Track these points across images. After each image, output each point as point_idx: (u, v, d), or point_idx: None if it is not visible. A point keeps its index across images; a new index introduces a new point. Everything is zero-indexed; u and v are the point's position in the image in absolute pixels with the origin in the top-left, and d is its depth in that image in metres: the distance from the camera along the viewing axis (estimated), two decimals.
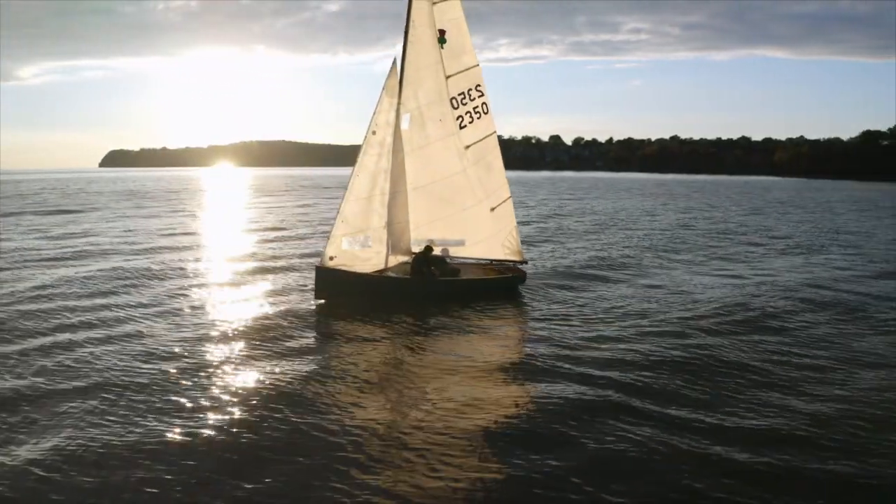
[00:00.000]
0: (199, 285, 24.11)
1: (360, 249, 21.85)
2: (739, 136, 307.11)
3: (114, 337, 17.06)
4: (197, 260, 30.16)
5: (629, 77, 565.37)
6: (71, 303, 21.02)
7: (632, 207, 68.74)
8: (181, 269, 27.66)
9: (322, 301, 21.04)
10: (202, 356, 15.56)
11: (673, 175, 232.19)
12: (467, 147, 22.98)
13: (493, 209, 23.58)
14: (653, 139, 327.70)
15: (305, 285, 23.30)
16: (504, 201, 23.75)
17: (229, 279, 25.23)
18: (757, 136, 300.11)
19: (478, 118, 22.94)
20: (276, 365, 14.98)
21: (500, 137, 24.08)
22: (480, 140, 23.13)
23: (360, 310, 19.85)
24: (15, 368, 14.59)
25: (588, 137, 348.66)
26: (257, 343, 16.72)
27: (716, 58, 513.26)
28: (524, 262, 24.39)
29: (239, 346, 16.39)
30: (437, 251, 22.85)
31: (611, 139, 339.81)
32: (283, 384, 13.71)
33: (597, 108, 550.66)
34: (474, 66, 22.73)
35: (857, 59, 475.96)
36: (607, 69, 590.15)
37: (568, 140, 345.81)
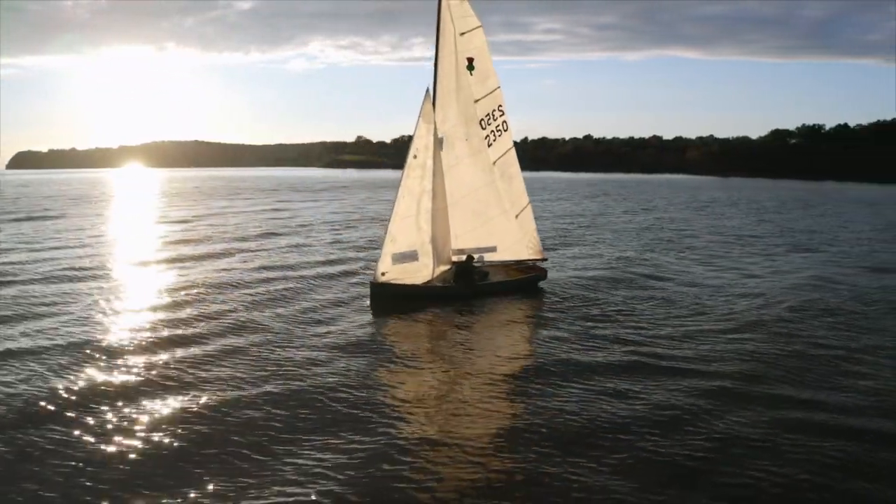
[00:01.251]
0: (260, 297, 25.40)
1: (410, 264, 23.97)
2: (651, 134, 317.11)
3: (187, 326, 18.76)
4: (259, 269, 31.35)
5: (542, 77, 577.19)
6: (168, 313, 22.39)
7: (596, 209, 72.03)
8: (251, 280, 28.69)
9: (377, 313, 22.96)
10: (288, 365, 17.18)
11: (590, 174, 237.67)
12: (494, 162, 25.58)
13: (517, 216, 26.20)
14: (567, 138, 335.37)
15: (361, 298, 24.97)
16: (525, 208, 26.58)
17: (288, 293, 26.45)
18: (668, 136, 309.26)
19: (500, 135, 25.68)
20: (343, 363, 17.23)
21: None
22: (503, 154, 25.93)
23: (411, 318, 22.09)
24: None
25: None
26: (321, 343, 18.99)
27: (628, 58, 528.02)
28: (544, 259, 27.09)
29: (307, 350, 18.35)
30: (464, 258, 25.21)
31: (526, 138, 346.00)
32: (355, 382, 15.82)
33: (511, 107, 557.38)
34: (497, 89, 25.47)
35: (765, 59, 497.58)
36: (521, 69, 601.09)
37: None
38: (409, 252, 24.09)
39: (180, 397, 14.63)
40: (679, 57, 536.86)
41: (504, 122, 25.75)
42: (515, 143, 26.11)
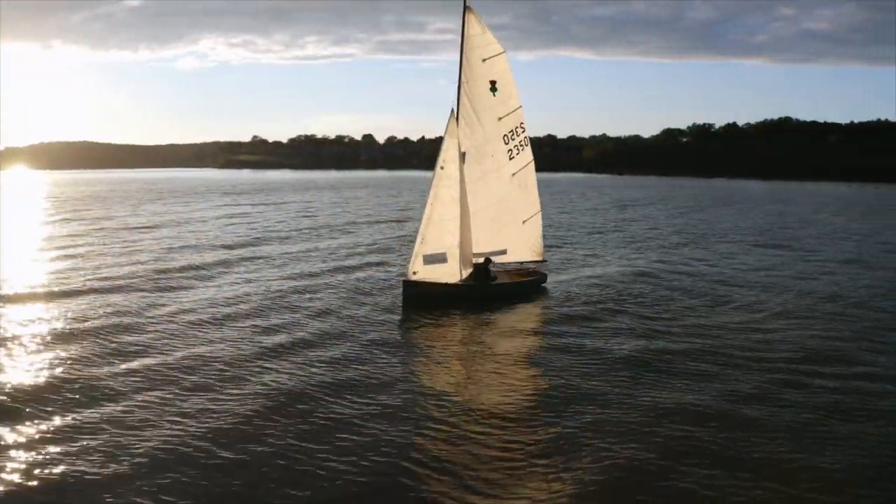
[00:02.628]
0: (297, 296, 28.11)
1: (439, 265, 27.09)
2: (546, 134, 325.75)
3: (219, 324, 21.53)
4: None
5: (436, 76, 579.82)
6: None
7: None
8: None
9: (409, 307, 26.06)
10: (327, 357, 19.76)
11: None
12: (513, 174, 28.96)
13: (524, 221, 29.64)
14: None
15: (394, 294, 28.04)
16: (535, 214, 30.04)
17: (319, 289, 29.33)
18: (563, 135, 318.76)
19: (522, 150, 29.06)
20: (378, 353, 20.05)
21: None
22: (524, 167, 29.33)
23: (438, 313, 25.18)
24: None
25: (400, 136, 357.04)
26: (359, 337, 21.84)
27: (522, 58, 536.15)
28: (544, 261, 30.64)
29: (347, 344, 21.08)
30: (481, 259, 28.51)
31: (423, 138, 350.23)
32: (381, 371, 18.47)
33: (406, 106, 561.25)
34: (518, 108, 28.89)
35: (654, 59, 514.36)
36: (414, 68, 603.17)
37: (381, 139, 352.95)
38: (438, 254, 27.22)
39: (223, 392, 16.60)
40: (571, 57, 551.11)
41: (526, 137, 29.23)
42: (411, 143, 29.53)
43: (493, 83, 28.10)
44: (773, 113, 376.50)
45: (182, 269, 33.63)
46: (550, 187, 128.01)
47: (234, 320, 23.70)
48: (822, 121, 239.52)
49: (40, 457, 12.73)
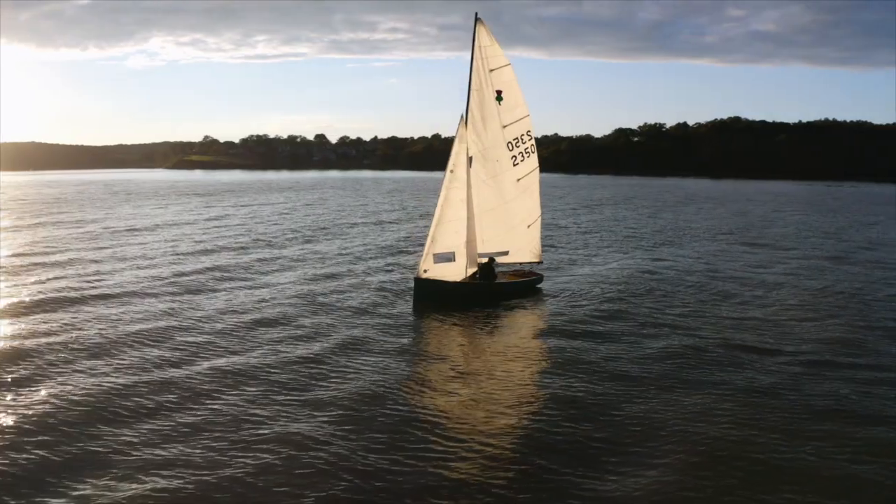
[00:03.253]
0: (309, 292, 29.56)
1: (448, 264, 28.74)
2: None
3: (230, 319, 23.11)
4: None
5: (387, 76, 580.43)
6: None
7: None
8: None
9: (419, 304, 27.77)
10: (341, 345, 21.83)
11: (441, 173, 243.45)
12: (518, 180, 30.69)
13: (529, 226, 31.38)
14: (416, 137, 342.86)
15: (405, 291, 29.81)
16: (537, 219, 31.70)
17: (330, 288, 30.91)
18: None
19: (527, 157, 30.74)
20: (390, 349, 21.72)
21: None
22: (529, 174, 30.99)
23: (446, 308, 26.95)
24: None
25: (353, 136, 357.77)
26: (373, 333, 23.40)
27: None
28: (540, 262, 32.42)
29: (360, 338, 22.75)
30: (485, 259, 30.21)
31: (375, 137, 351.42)
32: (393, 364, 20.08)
33: (358, 106, 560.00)
34: (525, 117, 30.56)
35: (605, 59, 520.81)
36: (365, 67, 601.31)
37: (333, 138, 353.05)
38: (447, 253, 28.87)
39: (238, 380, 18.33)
40: (522, 57, 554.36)
41: (532, 145, 30.93)
42: (364, 142, 31.19)
43: (498, 92, 29.80)
44: (723, 112, 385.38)
45: (192, 272, 34.55)
46: None
47: (257, 318, 25.23)
48: (770, 120, 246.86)
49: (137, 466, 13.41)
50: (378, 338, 22.75)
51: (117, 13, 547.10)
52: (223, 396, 17.09)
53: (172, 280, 32.12)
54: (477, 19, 29.08)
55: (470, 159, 29.35)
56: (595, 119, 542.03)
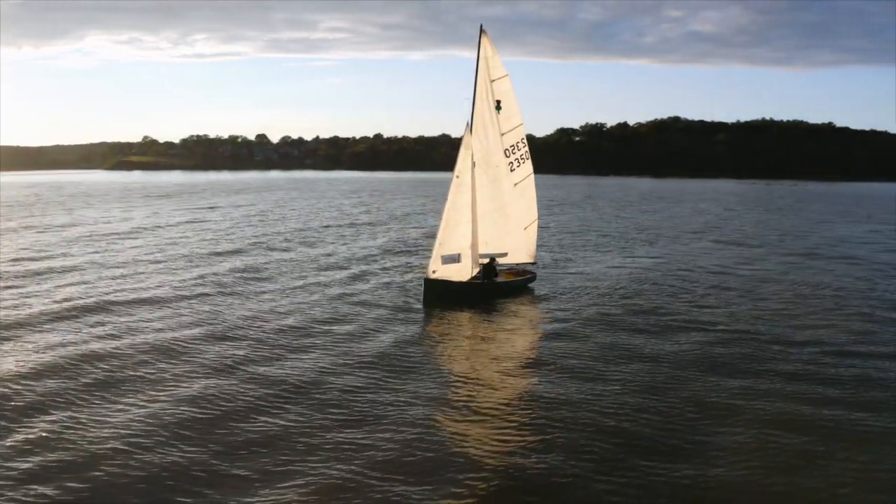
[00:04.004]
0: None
1: (454, 264, 30.17)
2: (440, 133, 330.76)
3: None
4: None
5: (328, 75, 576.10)
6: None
7: None
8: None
9: (429, 302, 29.13)
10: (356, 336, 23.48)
11: (385, 173, 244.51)
12: (515, 185, 32.20)
13: (525, 228, 32.96)
14: (357, 137, 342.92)
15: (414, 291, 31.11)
16: (533, 222, 33.29)
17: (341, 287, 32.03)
18: (456, 134, 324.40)
19: (522, 163, 32.30)
20: (404, 341, 23.25)
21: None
22: (524, 179, 32.55)
23: (453, 307, 28.47)
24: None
25: (294, 136, 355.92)
26: (386, 329, 24.90)
27: (413, 57, 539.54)
28: (534, 263, 34.01)
29: (376, 334, 24.17)
30: (486, 260, 31.71)
31: (317, 137, 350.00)
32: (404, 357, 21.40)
33: (299, 105, 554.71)
34: (519, 125, 32.16)
35: (545, 59, 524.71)
36: (305, 67, 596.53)
37: (274, 138, 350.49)
38: (454, 255, 30.31)
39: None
40: (463, 57, 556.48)
41: (526, 152, 32.52)
42: (305, 142, 32.45)
43: (498, 102, 31.32)
44: (663, 112, 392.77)
45: (192, 281, 34.89)
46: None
47: (282, 318, 26.25)
48: (709, 120, 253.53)
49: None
50: (393, 334, 24.17)
51: (52, 11, 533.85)
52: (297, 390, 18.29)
53: (179, 289, 32.33)
54: (482, 31, 30.57)
55: (473, 165, 30.78)
56: (537, 119, 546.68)
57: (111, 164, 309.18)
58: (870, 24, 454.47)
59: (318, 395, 17.75)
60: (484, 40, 30.66)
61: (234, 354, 21.30)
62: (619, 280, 35.02)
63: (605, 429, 15.72)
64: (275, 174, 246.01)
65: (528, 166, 32.72)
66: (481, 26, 30.64)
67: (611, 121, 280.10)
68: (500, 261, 32.57)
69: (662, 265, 40.05)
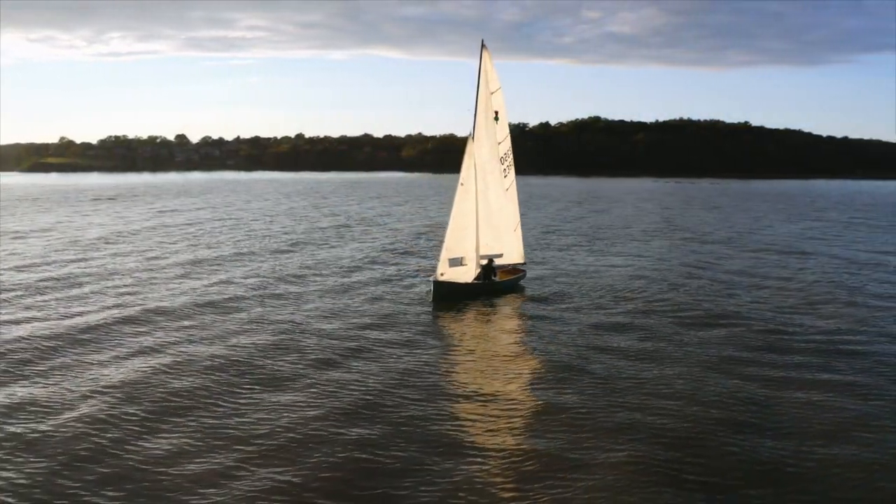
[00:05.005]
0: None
1: (460, 267, 31.91)
2: (362, 133, 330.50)
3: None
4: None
5: (247, 74, 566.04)
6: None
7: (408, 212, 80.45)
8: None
9: (438, 302, 30.74)
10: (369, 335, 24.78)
11: (310, 174, 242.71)
12: (506, 190, 34.09)
13: (514, 230, 34.89)
14: (279, 137, 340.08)
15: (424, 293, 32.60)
16: (518, 224, 35.25)
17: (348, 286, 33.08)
18: (379, 134, 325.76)
19: (510, 170, 34.33)
20: (416, 339, 24.68)
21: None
22: (511, 184, 34.49)
23: (459, 305, 30.22)
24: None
25: (215, 136, 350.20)
26: (398, 326, 26.39)
27: (333, 56, 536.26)
28: (524, 263, 35.94)
29: (389, 332, 25.46)
30: (485, 261, 33.45)
31: (238, 137, 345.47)
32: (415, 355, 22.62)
33: (218, 105, 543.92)
34: (507, 135, 34.18)
35: (465, 59, 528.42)
36: (224, 65, 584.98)
37: (195, 138, 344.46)
38: (459, 258, 32.01)
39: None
40: (383, 56, 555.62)
41: (511, 160, 34.39)
42: (226, 142, 33.79)
43: (496, 113, 33.17)
44: (583, 112, 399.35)
45: (200, 284, 35.48)
46: (401, 189, 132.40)
47: (298, 318, 27.38)
48: (628, 119, 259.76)
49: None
50: (406, 332, 25.71)
51: None
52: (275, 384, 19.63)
53: (183, 293, 32.92)
54: (483, 46, 32.28)
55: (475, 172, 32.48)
56: (459, 119, 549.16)
57: (26, 165, 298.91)
58: (783, 25, 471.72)
59: (342, 387, 19.21)
60: (484, 54, 32.36)
61: (213, 363, 21.66)
62: (601, 277, 37.29)
63: (600, 411, 17.52)
64: (196, 175, 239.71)
65: (512, 173, 34.67)
66: (482, 41, 32.40)
67: (533, 121, 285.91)
68: (497, 261, 34.38)
69: (639, 262, 42.59)
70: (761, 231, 62.03)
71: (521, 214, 35.59)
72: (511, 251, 34.96)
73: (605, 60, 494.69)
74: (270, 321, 26.75)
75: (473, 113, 32.59)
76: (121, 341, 23.58)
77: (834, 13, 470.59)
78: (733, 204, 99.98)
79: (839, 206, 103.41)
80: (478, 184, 32.65)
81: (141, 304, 29.13)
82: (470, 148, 32.16)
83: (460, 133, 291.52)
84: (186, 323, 26.41)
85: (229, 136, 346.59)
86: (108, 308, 28.45)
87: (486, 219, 33.29)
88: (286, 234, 56.26)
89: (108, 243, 49.12)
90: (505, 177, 34.09)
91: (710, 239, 55.47)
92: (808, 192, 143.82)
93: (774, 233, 60.76)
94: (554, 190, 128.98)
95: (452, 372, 21.43)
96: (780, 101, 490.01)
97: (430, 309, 29.77)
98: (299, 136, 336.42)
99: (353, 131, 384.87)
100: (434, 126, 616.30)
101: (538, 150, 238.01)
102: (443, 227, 54.76)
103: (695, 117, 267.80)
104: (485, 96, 32.58)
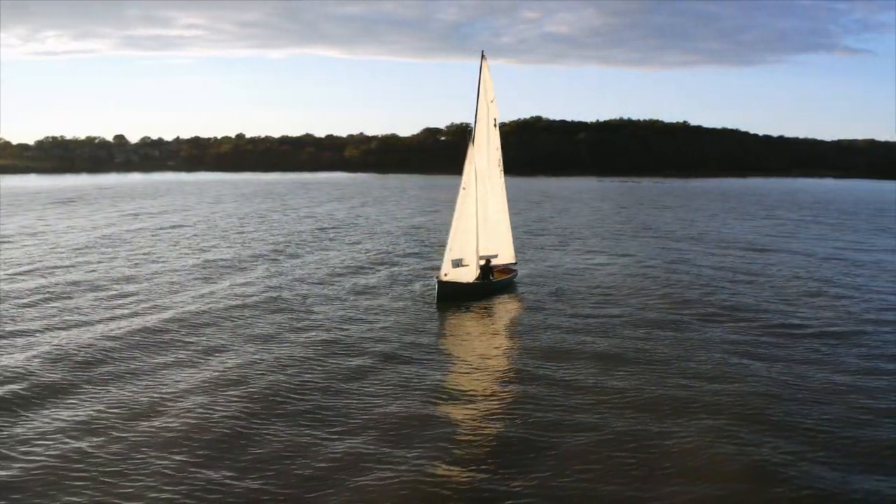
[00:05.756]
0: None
1: (462, 268, 33.26)
2: (304, 133, 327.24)
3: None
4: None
5: (185, 73, 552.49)
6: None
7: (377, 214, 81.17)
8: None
9: (442, 301, 32.02)
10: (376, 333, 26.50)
11: (252, 174, 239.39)
12: (501, 192, 35.43)
13: (507, 231, 36.39)
14: (219, 137, 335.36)
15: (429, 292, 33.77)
16: (507, 224, 36.66)
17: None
18: (320, 133, 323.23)
19: (501, 175, 35.67)
20: (422, 335, 26.47)
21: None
22: (502, 188, 35.63)
23: (462, 305, 31.71)
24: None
25: (154, 136, 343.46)
26: (404, 324, 28.07)
27: (273, 55, 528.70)
28: (515, 262, 37.55)
29: (397, 329, 27.17)
30: (483, 262, 34.80)
31: (178, 137, 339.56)
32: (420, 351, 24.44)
33: (158, 105, 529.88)
34: (499, 141, 35.56)
35: (405, 59, 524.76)
36: (162, 65, 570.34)
37: (134, 139, 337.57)
38: (462, 259, 33.31)
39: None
40: (323, 56, 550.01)
41: (501, 165, 35.70)
42: (166, 142, 34.94)
43: (495, 120, 34.55)
44: (525, 112, 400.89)
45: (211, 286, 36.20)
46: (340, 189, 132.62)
47: (309, 317, 28.81)
48: (570, 119, 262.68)
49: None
50: (413, 329, 27.35)
51: None
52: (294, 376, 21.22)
53: (192, 299, 33.32)
54: (483, 57, 33.61)
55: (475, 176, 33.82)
56: (401, 118, 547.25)
57: None
58: (719, 26, 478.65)
59: (350, 379, 20.98)
60: (484, 65, 33.82)
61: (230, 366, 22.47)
62: (587, 275, 39.68)
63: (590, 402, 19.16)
64: (136, 176, 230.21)
65: (503, 177, 36.33)
66: (482, 52, 33.77)
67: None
68: (494, 262, 35.80)
69: (621, 261, 44.83)
70: (721, 229, 65.18)
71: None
72: (505, 251, 36.47)
73: (544, 60, 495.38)
74: (301, 320, 28.27)
75: (474, 120, 33.96)
76: (162, 348, 24.35)
77: (768, 14, 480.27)
78: (683, 203, 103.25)
79: (785, 204, 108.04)
80: (478, 188, 33.98)
81: (162, 312, 29.65)
82: (470, 153, 33.50)
83: (402, 133, 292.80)
84: (205, 329, 27.10)
85: (169, 137, 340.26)
86: (141, 314, 29.08)
87: (484, 221, 34.68)
88: (281, 237, 56.15)
89: (107, 247, 48.82)
90: (500, 180, 35.56)
91: (678, 237, 58.11)
92: (751, 190, 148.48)
93: (734, 231, 63.95)
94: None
95: (460, 366, 23.10)
96: (717, 100, 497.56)
97: (435, 308, 31.11)
98: (240, 136, 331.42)
99: (295, 131, 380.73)
100: (376, 126, 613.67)
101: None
102: (421, 227, 56.31)
103: (634, 117, 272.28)
104: (485, 104, 33.91)
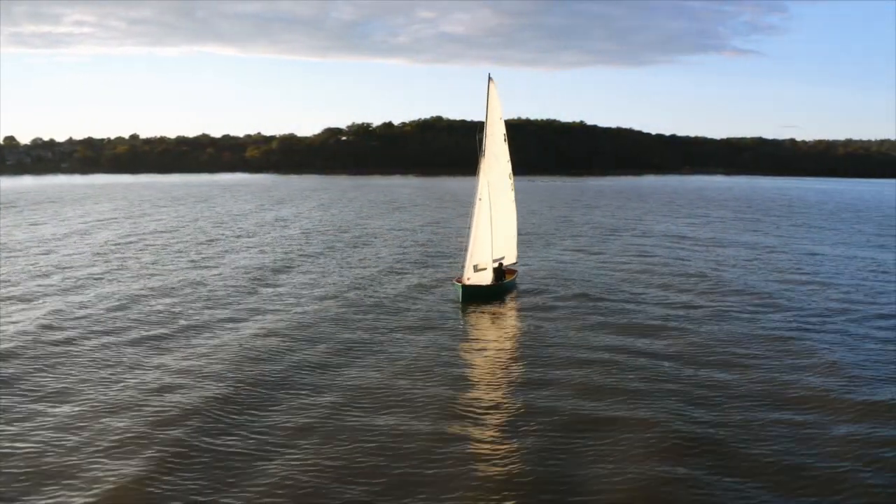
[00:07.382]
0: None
1: (481, 272, 35.47)
2: (200, 133, 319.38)
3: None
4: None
5: (74, 71, 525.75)
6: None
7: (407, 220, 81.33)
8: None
9: (466, 302, 34.36)
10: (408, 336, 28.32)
11: (149, 176, 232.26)
12: (511, 201, 37.71)
13: (514, 235, 38.69)
14: (113, 137, 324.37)
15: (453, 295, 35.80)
16: (515, 229, 39.01)
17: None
18: (217, 134, 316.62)
19: (512, 184, 37.86)
20: (450, 332, 29.09)
21: None
22: (513, 196, 38.04)
23: (483, 306, 33.92)
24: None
25: (46, 137, 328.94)
26: (431, 325, 30.29)
27: (164, 53, 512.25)
28: (516, 263, 39.94)
29: (422, 333, 28.91)
30: (495, 264, 37.04)
31: (71, 139, 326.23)
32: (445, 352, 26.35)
33: (47, 104, 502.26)
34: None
35: (301, 57, 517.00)
36: (50, 63, 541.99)
37: (24, 140, 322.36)
38: (480, 264, 35.52)
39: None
40: (216, 54, 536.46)
41: (511, 175, 37.90)
42: (58, 144, 36.95)
43: (504, 135, 36.79)
44: (425, 112, 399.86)
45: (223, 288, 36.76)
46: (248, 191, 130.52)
47: (344, 324, 30.28)
48: (468, 119, 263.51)
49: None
50: (442, 329, 29.60)
51: None
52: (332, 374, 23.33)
53: (213, 300, 34.50)
54: (490, 79, 35.83)
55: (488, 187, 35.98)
56: (300, 118, 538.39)
57: None
58: (613, 27, 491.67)
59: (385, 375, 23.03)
60: (491, 85, 35.97)
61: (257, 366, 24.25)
62: (576, 271, 42.90)
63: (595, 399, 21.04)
64: (28, 180, 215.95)
65: (512, 185, 38.52)
66: (489, 75, 36.01)
67: (376, 120, 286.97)
68: (503, 263, 38.10)
69: (600, 258, 48.22)
70: (662, 225, 70.09)
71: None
72: (511, 253, 38.96)
73: (440, 60, 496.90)
74: (328, 319, 30.78)
75: (482, 135, 35.96)
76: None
77: (659, 16, 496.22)
78: (604, 202, 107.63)
79: (697, 201, 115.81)
80: (493, 196, 36.13)
81: (201, 314, 31.34)
82: (483, 166, 35.60)
83: (300, 133, 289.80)
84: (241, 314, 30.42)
85: (61, 138, 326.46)
86: (166, 321, 30.17)
87: (498, 226, 36.88)
88: (281, 248, 55.24)
89: (98, 254, 47.45)
90: (511, 190, 37.97)
91: (634, 233, 62.03)
92: (654, 188, 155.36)
93: (679, 228, 68.43)
94: (418, 192, 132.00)
95: (486, 360, 25.40)
96: (611, 100, 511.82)
97: (460, 308, 33.33)
98: (134, 137, 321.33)
99: (191, 131, 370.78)
100: (273, 126, 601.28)
101: (383, 150, 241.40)
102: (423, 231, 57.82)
103: (532, 117, 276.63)
104: (492, 122, 36.06)
